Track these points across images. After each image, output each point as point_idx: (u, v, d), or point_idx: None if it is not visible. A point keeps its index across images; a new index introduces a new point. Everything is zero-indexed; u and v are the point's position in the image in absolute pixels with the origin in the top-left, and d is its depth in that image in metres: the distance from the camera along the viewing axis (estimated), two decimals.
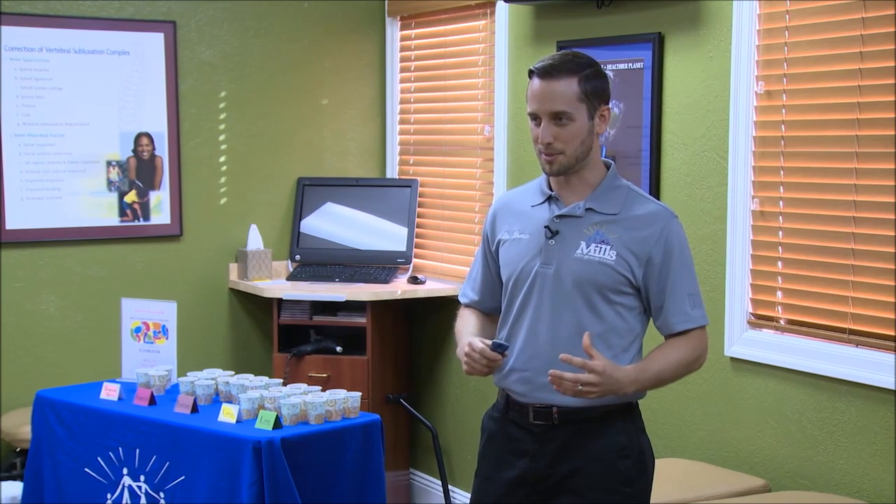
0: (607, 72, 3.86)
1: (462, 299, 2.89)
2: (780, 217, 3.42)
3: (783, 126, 3.40)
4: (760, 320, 3.50)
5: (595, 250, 2.59)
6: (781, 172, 3.41)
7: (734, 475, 3.44)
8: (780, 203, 3.42)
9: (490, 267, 2.81)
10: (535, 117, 2.60)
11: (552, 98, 2.56)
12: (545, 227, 2.64)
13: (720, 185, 3.59)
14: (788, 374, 3.39)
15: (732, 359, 3.56)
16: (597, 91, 2.60)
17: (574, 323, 2.59)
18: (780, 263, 3.43)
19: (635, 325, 2.64)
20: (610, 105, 2.67)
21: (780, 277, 3.44)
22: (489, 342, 2.59)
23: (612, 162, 2.71)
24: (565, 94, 2.56)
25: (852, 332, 3.21)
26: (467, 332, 2.75)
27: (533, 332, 2.64)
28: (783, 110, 3.40)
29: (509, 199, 2.81)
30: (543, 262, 2.63)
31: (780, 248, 3.43)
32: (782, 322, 3.43)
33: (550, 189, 2.69)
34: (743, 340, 3.53)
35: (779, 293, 3.44)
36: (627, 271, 2.59)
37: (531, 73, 2.61)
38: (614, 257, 2.58)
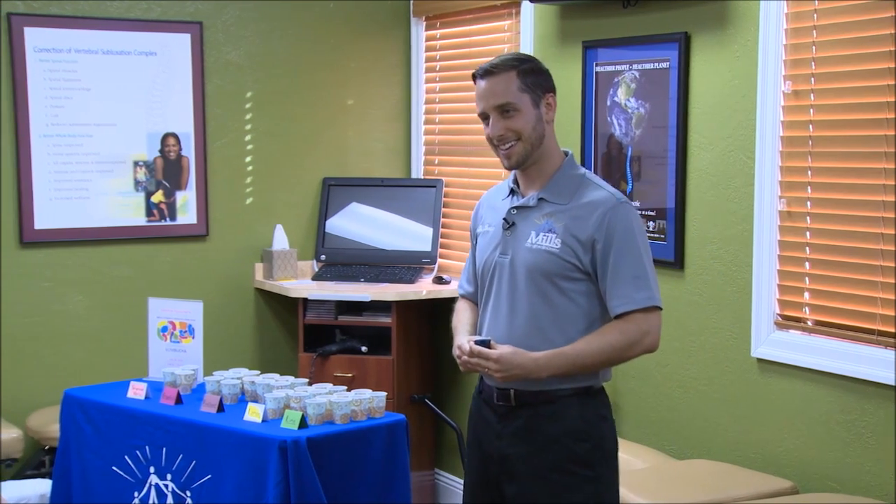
0: (633, 72, 3.90)
1: (459, 290, 3.03)
2: (808, 217, 3.40)
3: (811, 126, 3.38)
4: (788, 321, 3.48)
5: (543, 239, 2.70)
6: (809, 172, 3.39)
7: (761, 477, 3.42)
8: (808, 203, 3.40)
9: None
10: (485, 117, 2.72)
11: (495, 93, 2.70)
12: (503, 219, 2.78)
13: (747, 185, 3.57)
14: (816, 376, 3.37)
15: (759, 360, 3.54)
16: (537, 82, 2.72)
17: (528, 310, 2.71)
18: (807, 264, 3.41)
19: (592, 309, 2.71)
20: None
21: (807, 278, 3.41)
22: (475, 339, 2.72)
23: (569, 151, 2.82)
24: (507, 88, 2.69)
25: (881, 333, 3.18)
26: (462, 329, 2.89)
27: (495, 320, 2.78)
28: (811, 110, 3.38)
29: (488, 195, 2.97)
30: (502, 252, 2.77)
31: (807, 248, 3.41)
32: (810, 323, 3.41)
33: (515, 183, 2.82)
34: (770, 341, 3.51)
35: (806, 294, 3.42)
36: (573, 258, 2.67)
37: (474, 78, 2.75)
38: (559, 245, 2.68)
